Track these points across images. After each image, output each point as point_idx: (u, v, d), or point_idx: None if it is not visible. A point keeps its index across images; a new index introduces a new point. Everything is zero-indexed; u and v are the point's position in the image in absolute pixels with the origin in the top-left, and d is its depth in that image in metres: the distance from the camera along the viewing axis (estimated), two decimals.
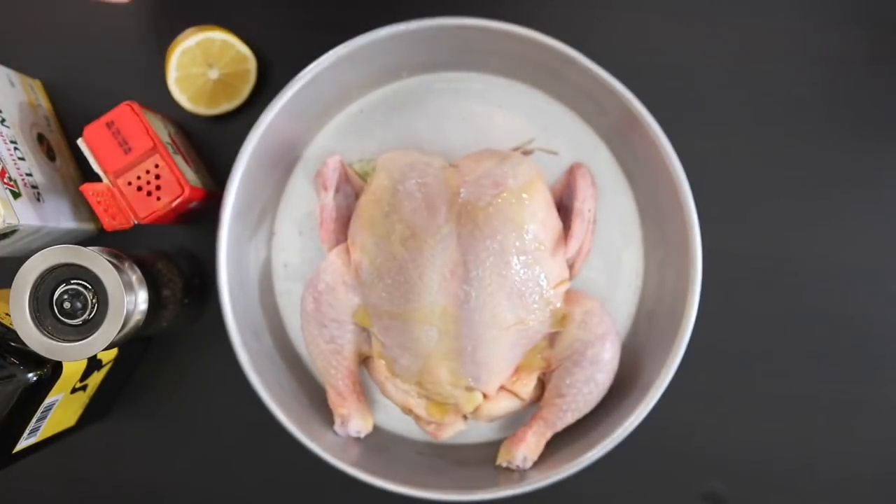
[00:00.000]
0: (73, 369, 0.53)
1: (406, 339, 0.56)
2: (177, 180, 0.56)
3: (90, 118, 0.56)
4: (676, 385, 0.55)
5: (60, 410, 0.55)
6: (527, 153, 0.62)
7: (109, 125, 0.56)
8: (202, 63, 0.62)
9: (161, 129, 0.58)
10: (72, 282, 0.47)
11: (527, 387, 0.58)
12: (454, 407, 0.58)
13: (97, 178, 0.57)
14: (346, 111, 0.63)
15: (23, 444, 0.52)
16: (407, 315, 0.55)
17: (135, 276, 0.50)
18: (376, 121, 0.63)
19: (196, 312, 0.63)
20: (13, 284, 0.47)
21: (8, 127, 0.57)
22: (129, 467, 0.65)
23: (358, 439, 0.60)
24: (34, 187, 0.57)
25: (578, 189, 0.59)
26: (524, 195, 0.55)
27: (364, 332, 0.59)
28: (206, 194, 0.60)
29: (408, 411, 0.59)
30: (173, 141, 0.60)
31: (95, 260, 0.47)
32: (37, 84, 0.65)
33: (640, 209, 0.62)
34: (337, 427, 0.59)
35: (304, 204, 0.63)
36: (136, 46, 0.65)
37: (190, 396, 0.65)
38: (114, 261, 0.48)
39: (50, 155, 0.61)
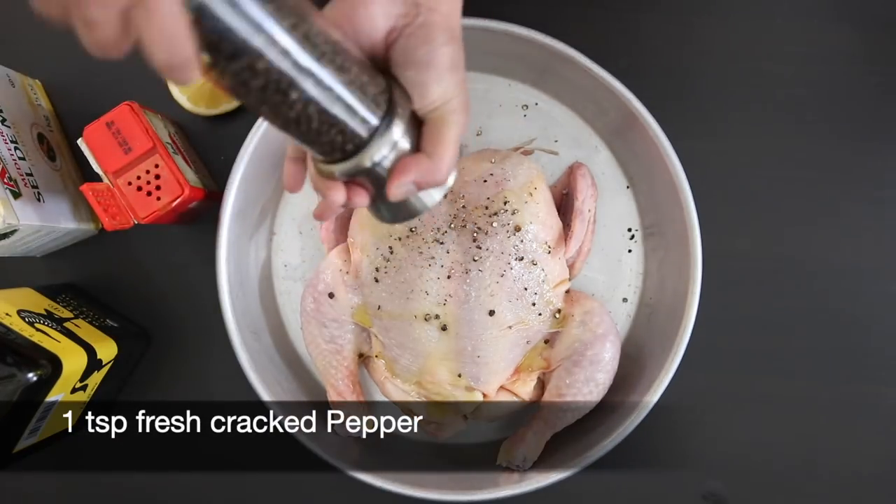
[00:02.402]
0: (73, 369, 0.53)
1: (406, 339, 0.56)
2: (177, 180, 0.56)
3: (90, 118, 0.56)
4: (676, 385, 0.55)
5: (60, 410, 0.55)
6: (527, 153, 0.62)
7: (109, 125, 0.56)
8: None
9: (161, 129, 0.58)
10: None
11: (527, 387, 0.58)
12: (454, 407, 0.58)
13: (97, 178, 0.57)
14: None
15: (23, 444, 0.52)
16: (407, 315, 0.55)
17: None
18: None
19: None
20: None
21: (8, 127, 0.57)
22: (128, 467, 0.65)
23: (358, 439, 0.60)
24: (34, 187, 0.57)
25: (578, 189, 0.59)
26: (524, 195, 0.55)
27: (364, 332, 0.59)
28: (206, 194, 0.60)
29: (408, 411, 0.59)
30: (173, 141, 0.60)
31: None
32: (37, 84, 0.65)
33: (640, 209, 0.62)
34: (337, 427, 0.59)
35: (304, 204, 0.63)
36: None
37: (190, 396, 0.65)
38: None
39: (50, 155, 0.61)
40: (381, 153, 0.36)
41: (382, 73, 0.38)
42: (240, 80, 0.31)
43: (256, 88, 0.31)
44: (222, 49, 0.29)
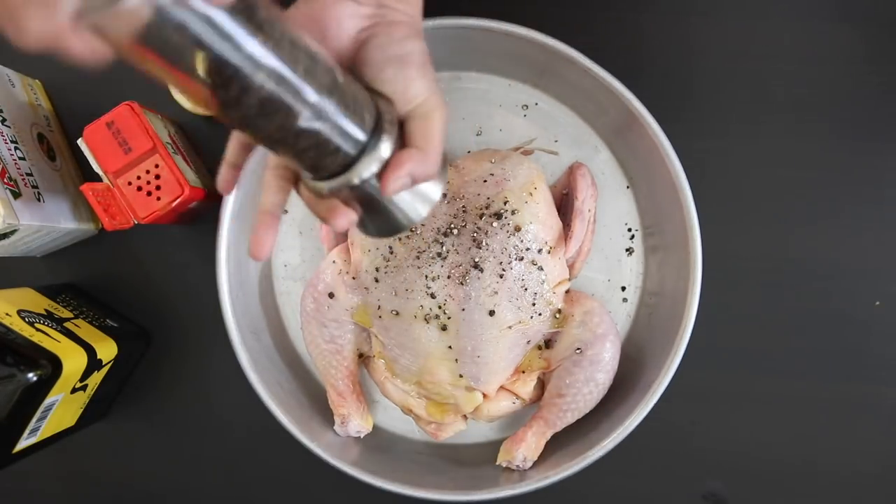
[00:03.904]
0: (73, 369, 0.53)
1: (406, 339, 0.56)
2: (177, 180, 0.56)
3: (90, 118, 0.56)
4: (676, 385, 0.55)
5: (60, 410, 0.55)
6: (527, 153, 0.62)
7: (109, 125, 0.56)
8: None
9: (161, 129, 0.58)
10: None
11: (527, 387, 0.58)
12: (454, 407, 0.58)
13: (97, 178, 0.57)
14: None
15: (23, 443, 0.52)
16: (407, 315, 0.55)
17: None
18: None
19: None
20: None
21: (8, 127, 0.57)
22: (128, 467, 0.65)
23: (358, 439, 0.60)
24: (34, 187, 0.57)
25: (578, 189, 0.59)
26: (524, 195, 0.55)
27: (364, 332, 0.59)
28: (206, 194, 0.60)
29: (408, 411, 0.59)
30: (173, 141, 0.60)
31: None
32: (37, 84, 0.65)
33: (640, 209, 0.62)
34: (337, 427, 0.59)
35: (304, 205, 0.63)
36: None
37: (190, 396, 0.65)
38: None
39: (50, 155, 0.61)
40: (369, 170, 0.36)
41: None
42: (230, 100, 0.30)
43: (247, 107, 0.31)
44: (211, 69, 0.29)
